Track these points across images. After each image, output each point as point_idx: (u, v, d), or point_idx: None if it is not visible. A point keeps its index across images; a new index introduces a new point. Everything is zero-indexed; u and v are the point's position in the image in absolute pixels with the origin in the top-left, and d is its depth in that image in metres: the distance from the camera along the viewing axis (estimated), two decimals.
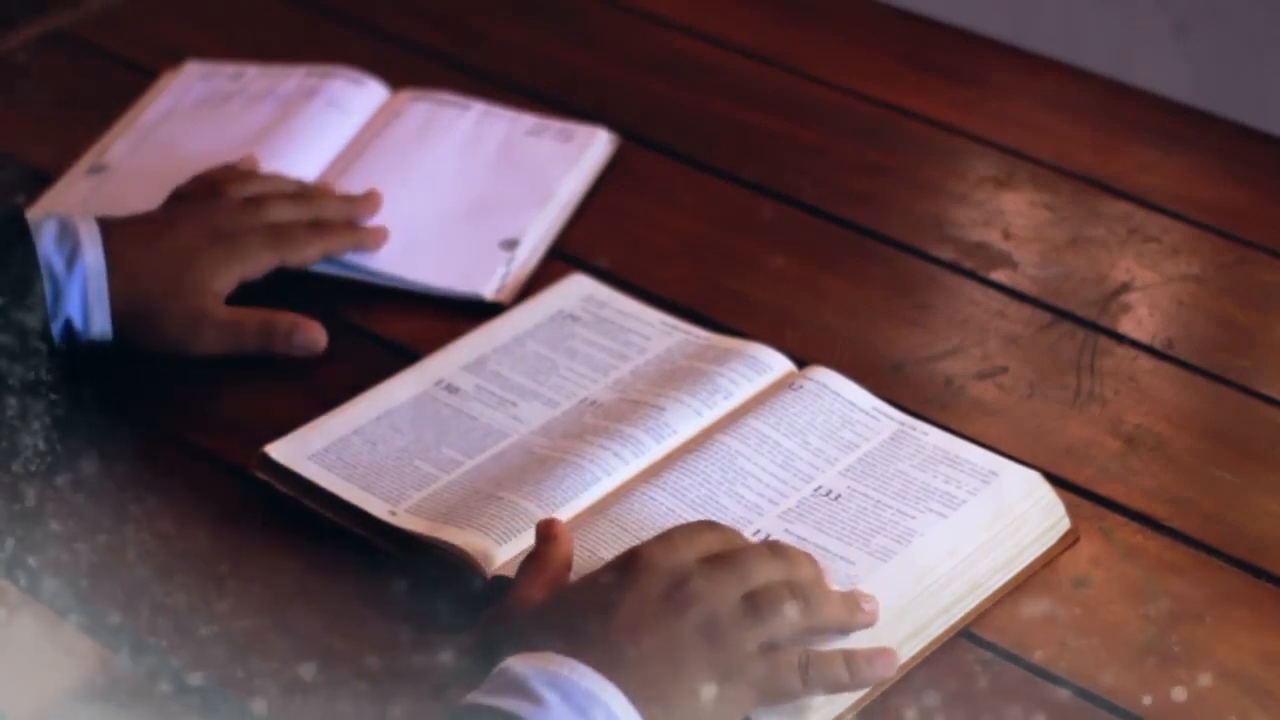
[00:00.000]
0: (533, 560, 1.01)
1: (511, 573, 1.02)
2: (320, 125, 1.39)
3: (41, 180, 1.36)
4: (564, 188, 1.35)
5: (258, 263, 1.22)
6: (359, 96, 1.43)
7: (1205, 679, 1.01)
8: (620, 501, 1.07)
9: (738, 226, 1.34)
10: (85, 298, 1.16)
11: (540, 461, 1.10)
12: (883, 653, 0.98)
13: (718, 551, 0.98)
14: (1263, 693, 1.01)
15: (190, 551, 1.10)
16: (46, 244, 1.16)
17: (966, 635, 1.04)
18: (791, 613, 0.95)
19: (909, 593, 1.03)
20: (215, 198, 1.25)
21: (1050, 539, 1.08)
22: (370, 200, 1.30)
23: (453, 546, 1.04)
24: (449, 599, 1.04)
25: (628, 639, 0.93)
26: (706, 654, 0.93)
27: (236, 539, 1.10)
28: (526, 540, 1.04)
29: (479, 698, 0.91)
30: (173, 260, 1.20)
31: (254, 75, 1.45)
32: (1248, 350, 1.23)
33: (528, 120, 1.41)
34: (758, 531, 1.06)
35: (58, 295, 1.16)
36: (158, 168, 1.35)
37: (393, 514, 1.08)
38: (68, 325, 1.16)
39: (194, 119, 1.41)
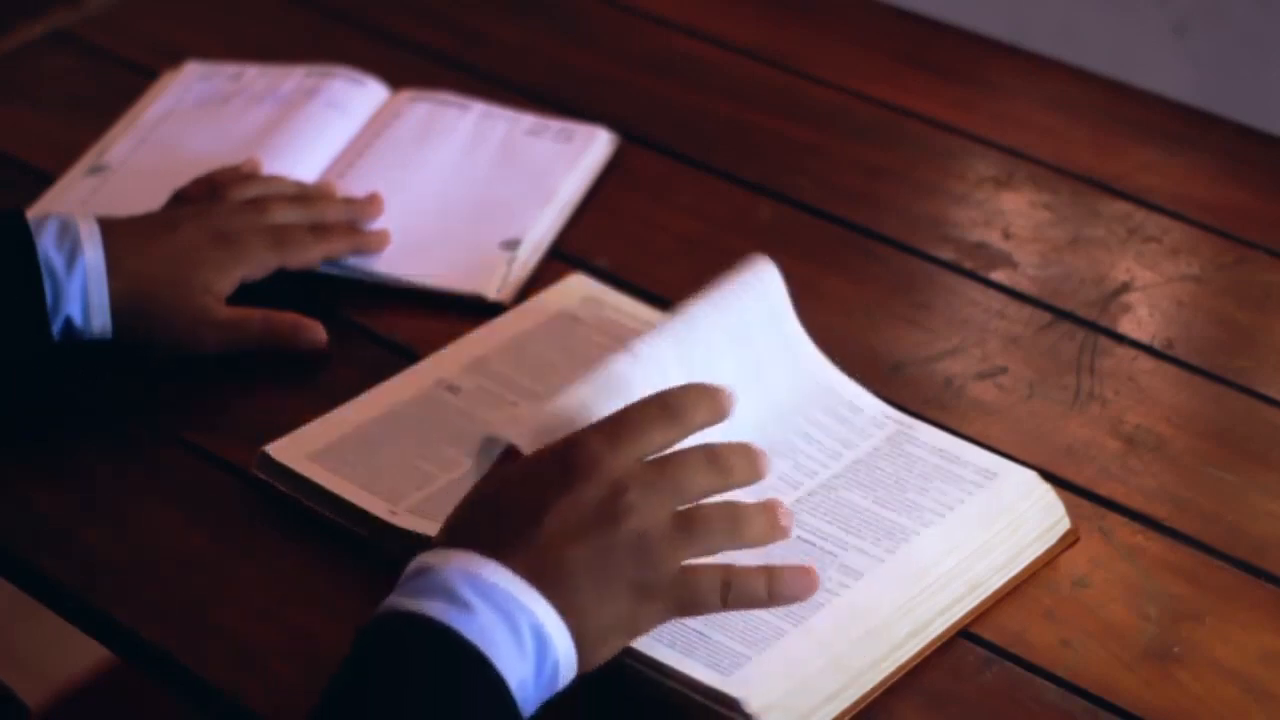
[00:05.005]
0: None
1: None
2: (320, 125, 1.39)
3: (42, 180, 1.36)
4: (564, 188, 1.35)
5: (259, 264, 1.22)
6: (359, 97, 1.43)
7: (1205, 679, 1.01)
8: None
9: (737, 226, 1.34)
10: (85, 296, 1.16)
11: None
12: (804, 571, 0.97)
13: (658, 454, 0.97)
14: (1263, 693, 1.01)
15: (190, 551, 1.10)
16: (46, 243, 1.16)
17: (966, 635, 1.04)
18: (719, 533, 0.95)
19: (909, 592, 1.03)
20: (216, 199, 1.25)
21: (1050, 539, 1.08)
22: (372, 203, 1.31)
23: None
24: None
25: (558, 546, 0.93)
26: (632, 570, 0.93)
27: (236, 539, 1.10)
28: None
29: (404, 602, 0.91)
30: (173, 260, 1.20)
31: (254, 75, 1.45)
32: (1248, 350, 1.23)
33: (528, 120, 1.42)
34: None
35: (58, 294, 1.16)
36: (158, 168, 1.35)
37: (393, 514, 1.08)
38: (68, 323, 1.16)
39: (194, 119, 1.41)
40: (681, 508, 0.96)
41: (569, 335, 1.21)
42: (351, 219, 1.29)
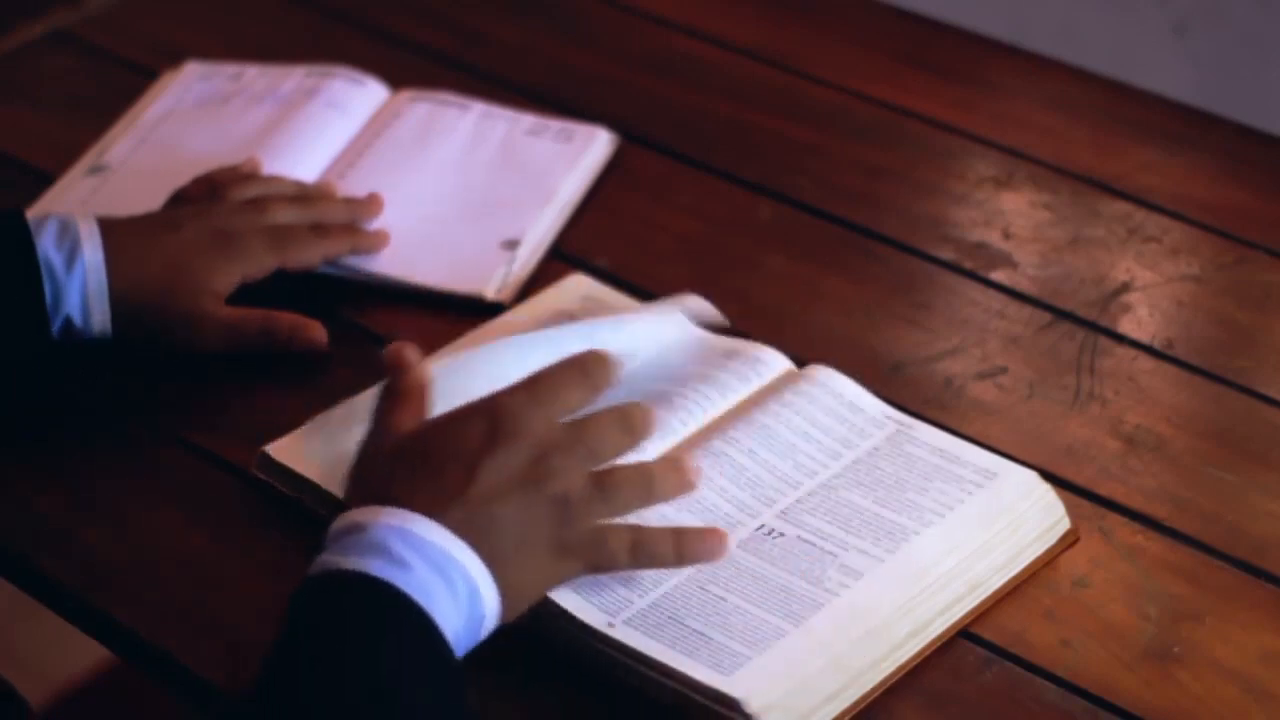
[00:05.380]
0: (391, 392, 1.04)
1: None
2: (320, 125, 1.39)
3: (42, 180, 1.36)
4: (564, 188, 1.35)
5: (258, 264, 1.22)
6: (359, 96, 1.43)
7: (1205, 679, 1.01)
8: None
9: (737, 226, 1.34)
10: (85, 296, 1.16)
11: None
12: (711, 533, 1.02)
13: (575, 413, 1.01)
14: (1263, 693, 1.01)
15: (190, 551, 1.10)
16: (46, 243, 1.16)
17: (966, 635, 1.04)
18: (632, 494, 1.00)
19: (909, 592, 1.03)
20: (216, 199, 1.25)
21: (1050, 539, 1.08)
22: (372, 203, 1.31)
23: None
24: None
25: (487, 505, 0.96)
26: (552, 529, 0.98)
27: (236, 539, 1.10)
28: None
29: (339, 560, 0.93)
30: (173, 260, 1.20)
31: (254, 75, 1.45)
32: (1248, 350, 1.23)
33: (528, 120, 1.42)
34: (760, 527, 1.06)
35: (57, 294, 1.16)
36: (157, 168, 1.35)
37: None
38: (68, 323, 1.17)
39: (194, 119, 1.41)
40: (597, 469, 1.00)
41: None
42: (352, 219, 1.29)
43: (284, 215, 1.25)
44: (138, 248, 1.19)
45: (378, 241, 1.28)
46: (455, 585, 0.94)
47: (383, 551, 0.93)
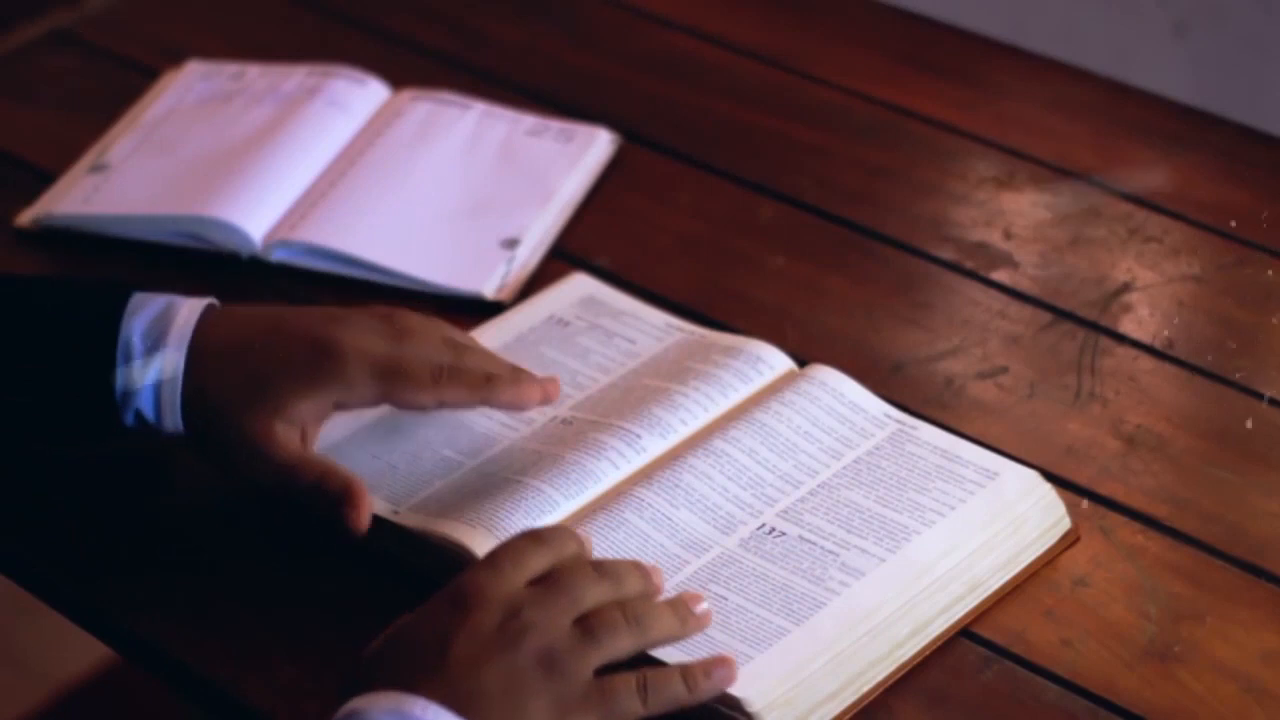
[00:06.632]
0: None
1: None
2: (321, 125, 1.39)
3: (42, 179, 1.36)
4: (564, 187, 1.36)
5: (359, 395, 1.08)
6: (360, 96, 1.43)
7: (1206, 679, 1.01)
8: (616, 501, 1.07)
9: (738, 226, 1.34)
10: (158, 393, 1.07)
11: (539, 460, 1.10)
12: (720, 662, 0.97)
13: (545, 572, 0.96)
14: (1263, 693, 1.01)
15: (190, 551, 1.10)
16: (135, 327, 1.07)
17: (966, 635, 1.04)
18: (624, 634, 0.95)
19: (909, 591, 1.03)
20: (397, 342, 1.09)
21: (1050, 539, 1.08)
22: (533, 383, 1.11)
23: (455, 542, 1.04)
24: None
25: (466, 674, 0.92)
26: (545, 685, 0.93)
27: (238, 539, 1.10)
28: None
29: None
30: (256, 374, 1.07)
31: (255, 75, 1.45)
32: (1248, 350, 1.23)
33: (528, 120, 1.42)
34: (761, 526, 1.07)
35: (129, 386, 1.06)
36: (159, 167, 1.36)
37: (395, 513, 1.08)
38: (139, 416, 1.07)
39: (195, 118, 1.41)
40: (580, 615, 0.95)
41: (570, 335, 1.21)
42: (496, 373, 1.11)
43: (438, 355, 1.10)
44: (228, 352, 1.07)
45: (519, 395, 1.11)
46: None
47: None
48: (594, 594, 0.96)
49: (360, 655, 0.96)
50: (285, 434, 1.06)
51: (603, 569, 0.97)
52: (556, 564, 0.97)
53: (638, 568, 0.99)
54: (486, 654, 0.93)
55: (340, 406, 1.08)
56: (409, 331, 1.09)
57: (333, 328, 1.08)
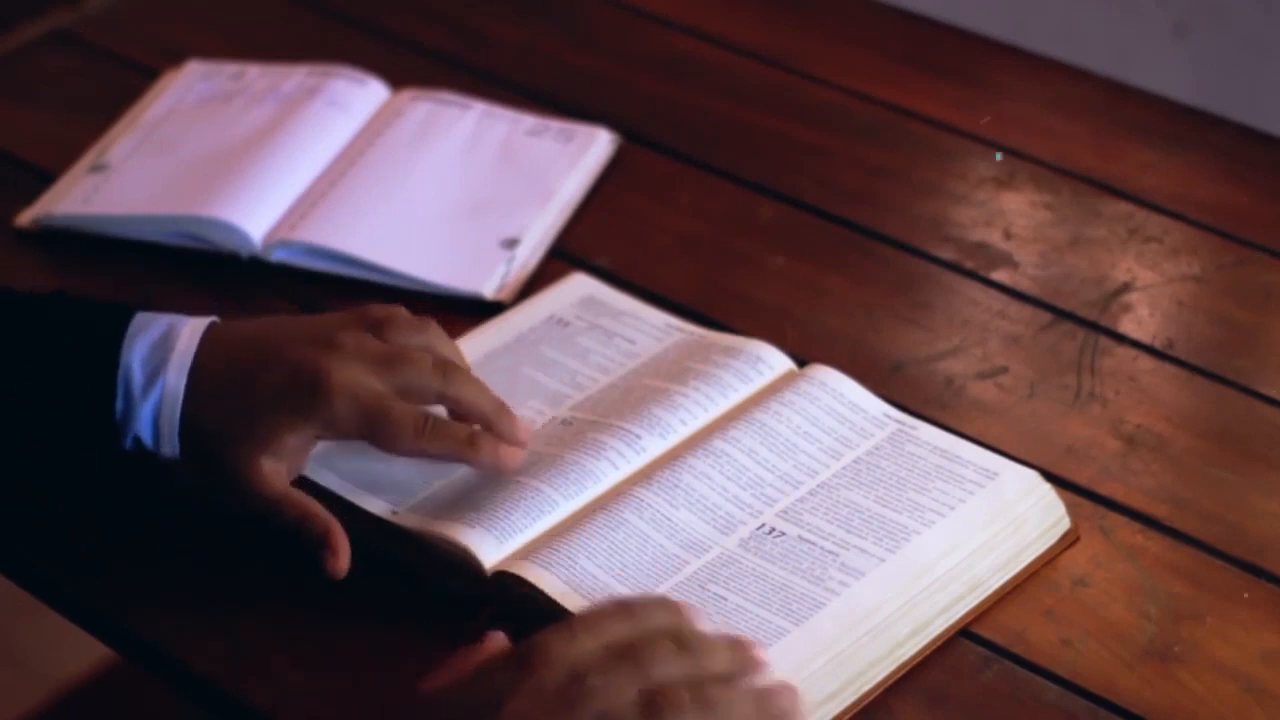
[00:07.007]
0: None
1: (512, 569, 1.02)
2: (321, 125, 1.39)
3: (42, 179, 1.36)
4: (564, 187, 1.36)
5: (343, 431, 1.07)
6: (360, 96, 1.43)
7: (1206, 679, 1.01)
8: (616, 501, 1.07)
9: (738, 226, 1.34)
10: (156, 419, 1.07)
11: (538, 460, 1.10)
12: (787, 690, 0.92)
13: (622, 641, 0.91)
14: (1263, 693, 1.01)
15: (190, 551, 1.10)
16: (136, 353, 1.07)
17: (966, 635, 1.04)
18: (689, 717, 0.88)
19: (909, 592, 1.03)
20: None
21: (1050, 539, 1.08)
22: (507, 422, 1.10)
23: (454, 543, 1.04)
24: (451, 599, 1.04)
25: None
26: None
27: (237, 539, 1.10)
28: (527, 536, 1.05)
29: None
30: (247, 404, 1.07)
31: (255, 75, 1.45)
32: (1248, 350, 1.23)
33: (528, 120, 1.42)
34: (761, 526, 1.07)
35: (129, 410, 1.07)
36: (159, 167, 1.36)
37: (394, 514, 1.08)
38: (138, 441, 1.08)
39: (195, 118, 1.41)
40: (649, 689, 0.89)
41: (570, 335, 1.21)
42: (476, 428, 1.09)
43: (419, 386, 1.08)
44: (223, 380, 1.07)
45: (498, 458, 1.09)
46: None
47: None
48: (668, 668, 0.90)
49: (414, 699, 0.92)
50: (271, 469, 1.06)
51: (688, 642, 0.92)
52: (638, 634, 0.92)
53: (733, 646, 0.94)
54: (541, 715, 0.88)
55: (323, 438, 1.08)
56: (400, 358, 1.07)
57: (323, 359, 1.06)
